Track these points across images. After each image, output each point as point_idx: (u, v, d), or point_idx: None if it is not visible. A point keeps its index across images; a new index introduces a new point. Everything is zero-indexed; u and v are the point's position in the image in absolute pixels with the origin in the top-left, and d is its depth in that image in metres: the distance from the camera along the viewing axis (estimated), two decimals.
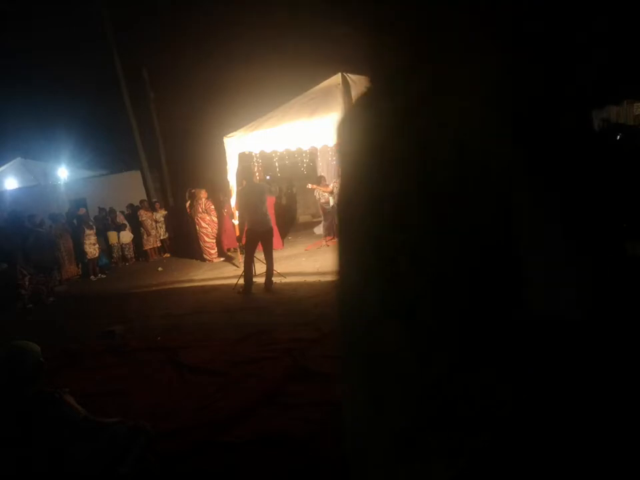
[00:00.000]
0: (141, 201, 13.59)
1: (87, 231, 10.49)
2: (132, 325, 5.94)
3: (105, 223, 12.04)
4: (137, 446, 2.64)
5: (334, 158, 11.34)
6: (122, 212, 12.80)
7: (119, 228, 12.13)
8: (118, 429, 2.62)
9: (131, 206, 13.07)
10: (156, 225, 12.33)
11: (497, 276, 0.72)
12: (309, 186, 10.32)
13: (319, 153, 11.26)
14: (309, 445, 2.73)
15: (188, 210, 11.07)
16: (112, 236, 12.06)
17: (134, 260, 12.42)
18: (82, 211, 11.50)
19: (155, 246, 12.29)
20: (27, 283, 8.52)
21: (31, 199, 13.84)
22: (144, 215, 12.13)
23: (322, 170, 11.56)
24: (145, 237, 12.13)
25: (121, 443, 2.58)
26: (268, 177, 10.54)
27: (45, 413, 2.46)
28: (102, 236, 11.42)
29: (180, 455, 2.84)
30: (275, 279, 6.98)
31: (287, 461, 2.63)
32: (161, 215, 12.49)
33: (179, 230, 12.24)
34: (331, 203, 10.56)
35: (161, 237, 12.45)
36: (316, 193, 10.46)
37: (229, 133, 8.82)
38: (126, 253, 12.29)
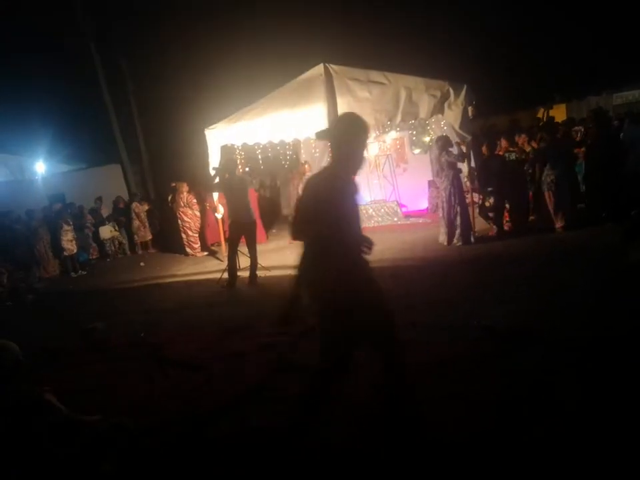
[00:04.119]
0: (133, 194, 13.47)
1: (65, 227, 10.28)
2: (113, 322, 5.85)
3: (82, 220, 11.80)
4: (119, 443, 2.61)
5: (317, 150, 11.30)
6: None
7: (99, 223, 11.95)
8: (100, 426, 2.59)
9: (119, 199, 12.92)
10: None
11: None
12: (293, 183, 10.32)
13: (302, 145, 11.20)
14: (295, 439, 2.72)
15: (169, 204, 10.93)
16: (104, 231, 11.96)
17: (118, 255, 12.25)
18: (58, 206, 11.25)
19: (148, 239, 12.19)
20: (4, 280, 8.34)
21: (7, 195, 13.46)
22: (138, 208, 12.05)
23: (305, 162, 11.50)
24: (141, 229, 12.02)
25: (103, 440, 2.55)
26: (247, 169, 10.44)
27: (24, 411, 2.41)
28: (81, 232, 11.19)
29: (163, 450, 2.82)
30: (259, 273, 6.94)
31: (272, 455, 2.62)
32: (144, 208, 12.36)
33: (160, 224, 12.09)
34: None
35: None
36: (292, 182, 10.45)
37: (211, 125, 8.72)
38: (107, 248, 12.11)
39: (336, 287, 2.39)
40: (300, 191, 3.30)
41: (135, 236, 12.06)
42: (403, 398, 2.46)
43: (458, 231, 7.20)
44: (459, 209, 7.15)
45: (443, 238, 7.41)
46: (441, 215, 7.47)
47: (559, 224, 7.05)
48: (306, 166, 10.24)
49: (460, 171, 7.23)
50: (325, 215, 2.36)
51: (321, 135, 3.00)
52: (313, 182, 2.56)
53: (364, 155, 2.53)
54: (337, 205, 2.37)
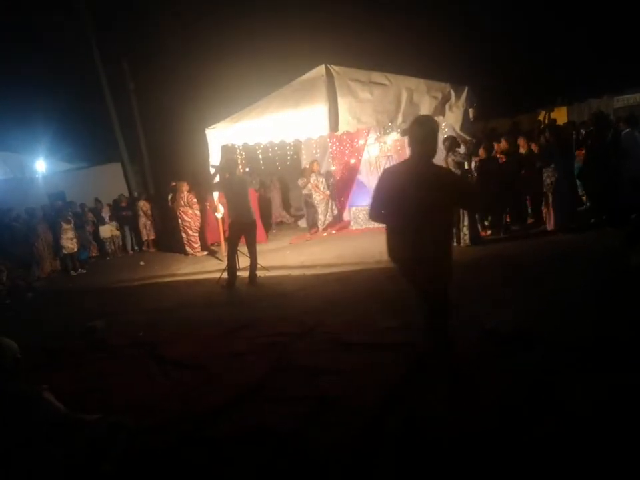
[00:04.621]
0: (139, 192, 13.50)
1: (65, 225, 10.28)
2: (113, 321, 5.84)
3: (82, 218, 11.80)
4: (118, 442, 2.60)
5: (318, 151, 11.30)
6: (109, 204, 12.67)
7: (100, 223, 11.95)
8: (99, 425, 2.58)
9: (121, 197, 12.95)
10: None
11: None
12: (301, 182, 10.32)
13: (303, 146, 11.20)
14: (294, 439, 2.72)
15: (170, 203, 10.93)
16: (104, 230, 11.97)
17: (118, 254, 12.25)
18: (58, 204, 11.26)
19: (151, 238, 12.21)
20: (4, 278, 8.33)
21: (8, 193, 13.46)
22: (145, 205, 12.12)
23: (306, 163, 11.50)
24: (146, 227, 12.04)
25: (103, 440, 2.54)
26: (247, 169, 10.44)
27: (23, 410, 2.40)
28: (81, 230, 11.19)
29: (163, 450, 2.81)
30: (259, 273, 6.93)
31: (272, 455, 2.61)
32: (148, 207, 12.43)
33: (161, 223, 12.09)
34: (314, 196, 10.54)
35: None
36: (300, 182, 10.44)
37: (211, 124, 8.71)
38: (107, 247, 12.11)
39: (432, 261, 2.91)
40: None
41: (142, 233, 12.13)
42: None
43: (467, 232, 7.10)
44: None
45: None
46: None
47: (559, 226, 7.04)
48: (315, 164, 10.27)
49: (469, 171, 7.19)
50: (408, 201, 2.84)
51: (404, 133, 3.59)
52: (392, 172, 3.14)
53: (436, 147, 3.04)
54: (417, 192, 2.84)
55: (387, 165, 11.32)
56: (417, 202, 2.82)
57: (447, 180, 3.06)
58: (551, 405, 2.70)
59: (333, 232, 10.35)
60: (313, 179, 10.27)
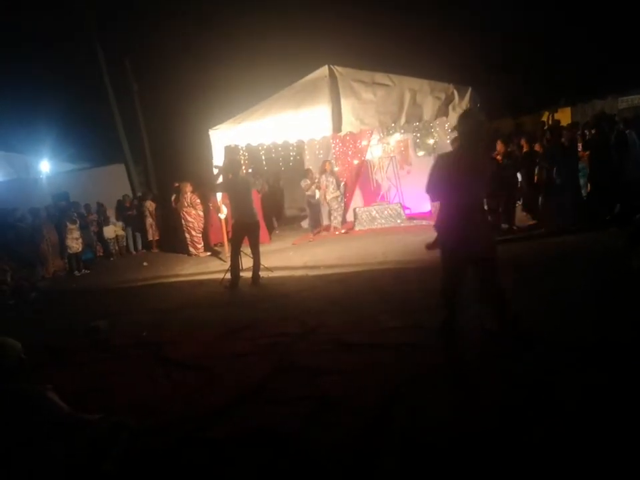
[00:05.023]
0: (146, 192, 13.57)
1: (70, 226, 10.32)
2: (116, 321, 5.86)
3: (87, 218, 11.85)
4: (120, 442, 2.61)
5: (321, 151, 11.31)
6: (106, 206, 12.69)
7: (105, 222, 12.00)
8: (101, 425, 2.59)
9: (125, 197, 13.02)
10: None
11: None
12: (304, 184, 10.31)
13: (306, 146, 11.21)
14: (296, 440, 2.72)
15: (173, 204, 10.96)
16: (108, 230, 12.03)
17: (122, 254, 12.29)
18: (63, 204, 11.32)
19: (156, 238, 12.26)
20: (8, 278, 8.37)
21: (12, 193, 13.54)
22: (152, 206, 12.17)
23: (309, 163, 11.52)
24: (152, 227, 12.10)
25: (105, 440, 2.55)
26: (250, 170, 10.45)
27: (26, 410, 2.41)
28: (86, 230, 11.23)
29: (164, 450, 2.81)
30: (262, 273, 6.94)
31: (273, 456, 2.62)
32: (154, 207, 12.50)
33: (164, 224, 12.13)
34: (317, 197, 10.54)
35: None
36: (302, 183, 10.43)
37: (215, 125, 8.73)
38: (111, 247, 12.15)
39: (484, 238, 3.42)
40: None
41: (148, 233, 12.18)
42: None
43: None
44: None
45: None
46: None
47: (560, 227, 7.02)
48: (327, 164, 10.26)
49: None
50: (457, 184, 3.31)
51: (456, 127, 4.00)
52: (444, 158, 3.58)
53: (482, 136, 3.43)
54: (463, 177, 3.30)
55: (389, 165, 11.37)
56: (464, 185, 3.29)
57: (484, 168, 3.54)
58: (551, 405, 2.70)
59: (343, 231, 10.32)
60: (323, 179, 10.22)
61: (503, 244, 7.04)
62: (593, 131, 7.87)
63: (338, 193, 10.37)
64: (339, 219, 10.49)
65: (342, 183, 10.72)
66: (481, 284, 3.50)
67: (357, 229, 10.33)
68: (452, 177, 3.33)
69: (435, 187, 3.49)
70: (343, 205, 10.62)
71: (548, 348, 3.33)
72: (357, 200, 11.49)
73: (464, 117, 3.51)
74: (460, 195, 3.32)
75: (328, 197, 10.32)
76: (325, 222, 10.68)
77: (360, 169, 11.08)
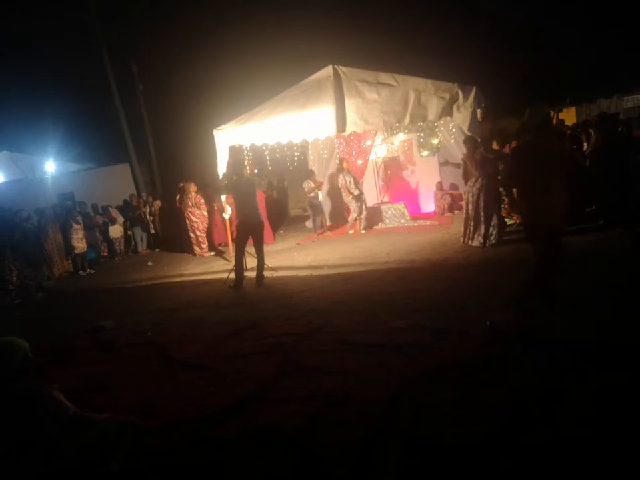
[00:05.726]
0: (152, 192, 13.70)
1: (75, 226, 10.37)
2: (121, 320, 5.89)
3: (92, 219, 11.91)
4: (126, 441, 2.62)
5: (325, 151, 11.31)
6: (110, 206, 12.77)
7: (109, 223, 12.05)
8: (107, 424, 2.60)
9: (132, 197, 13.15)
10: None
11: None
12: (306, 186, 10.24)
13: (310, 146, 11.21)
14: (300, 439, 2.72)
15: (178, 204, 10.99)
16: (114, 230, 12.14)
17: (128, 254, 12.36)
18: (68, 204, 11.37)
19: (162, 237, 12.39)
20: (14, 278, 8.41)
21: (18, 193, 13.63)
22: (158, 206, 12.37)
23: (313, 163, 11.52)
24: (158, 227, 12.31)
25: (111, 439, 2.57)
26: (256, 171, 10.45)
27: (33, 409, 2.43)
28: (91, 230, 11.29)
29: (169, 450, 2.82)
30: (266, 273, 6.95)
31: (278, 456, 2.62)
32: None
33: (169, 224, 12.18)
34: (320, 198, 10.52)
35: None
36: (304, 184, 10.37)
37: (219, 125, 8.75)
38: (116, 247, 12.21)
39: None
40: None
41: (158, 233, 12.35)
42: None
43: (495, 231, 6.94)
44: (495, 208, 6.97)
45: (477, 241, 7.03)
46: (465, 216, 7.21)
47: (566, 228, 6.96)
48: (344, 164, 10.09)
49: (496, 168, 7.08)
50: (539, 171, 3.76)
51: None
52: (520, 149, 4.11)
53: (552, 126, 4.04)
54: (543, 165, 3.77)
55: (389, 166, 11.36)
56: (542, 170, 3.73)
57: (560, 153, 3.88)
58: (558, 405, 2.69)
59: (363, 232, 10.08)
60: (341, 178, 10.06)
61: (520, 244, 7.06)
62: (596, 130, 7.82)
63: (358, 191, 10.10)
64: (362, 216, 10.13)
65: (361, 181, 10.52)
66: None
67: (361, 228, 10.30)
68: (535, 165, 3.76)
69: (515, 174, 3.98)
70: (362, 203, 10.19)
71: (556, 349, 3.32)
72: None
73: (535, 110, 3.85)
74: (542, 177, 3.75)
75: (350, 195, 9.99)
76: (349, 218, 10.33)
77: (364, 168, 11.05)
